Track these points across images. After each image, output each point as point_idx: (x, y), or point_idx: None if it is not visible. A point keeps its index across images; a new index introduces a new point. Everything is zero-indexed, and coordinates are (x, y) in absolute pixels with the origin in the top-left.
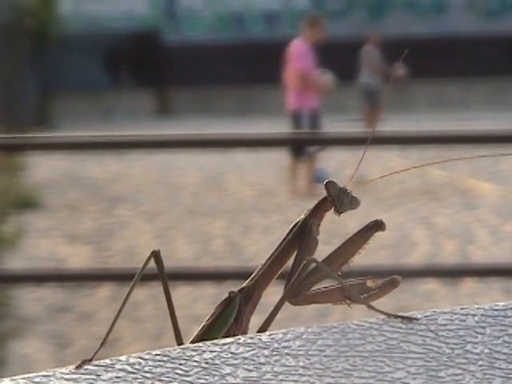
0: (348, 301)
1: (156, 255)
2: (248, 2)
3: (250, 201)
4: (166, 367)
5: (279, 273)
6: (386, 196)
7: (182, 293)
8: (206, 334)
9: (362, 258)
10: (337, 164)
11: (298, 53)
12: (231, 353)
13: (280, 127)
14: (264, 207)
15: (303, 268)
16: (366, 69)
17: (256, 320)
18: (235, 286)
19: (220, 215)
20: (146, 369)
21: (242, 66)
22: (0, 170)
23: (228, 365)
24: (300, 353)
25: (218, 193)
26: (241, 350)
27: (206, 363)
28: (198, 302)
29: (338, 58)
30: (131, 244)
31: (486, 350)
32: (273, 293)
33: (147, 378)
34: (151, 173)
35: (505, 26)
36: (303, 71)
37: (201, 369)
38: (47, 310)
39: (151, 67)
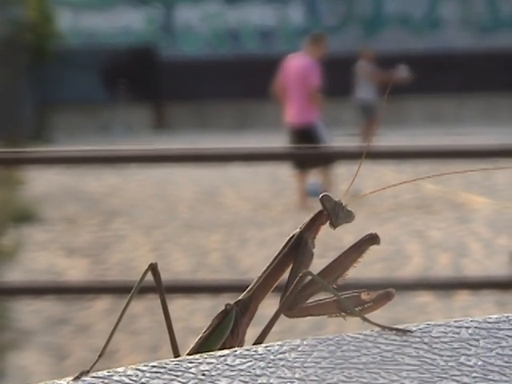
0: (343, 313)
1: (153, 268)
2: (244, 19)
3: (246, 214)
4: (163, 379)
5: (275, 285)
6: (380, 210)
7: (179, 305)
8: (202, 346)
9: (356, 271)
10: (332, 178)
11: (308, 68)
12: (227, 364)
13: (275, 141)
14: (260, 221)
15: (299, 281)
16: (361, 84)
17: (252, 332)
18: (231, 299)
19: (216, 229)
20: (144, 380)
21: (237, 81)
22: None
23: (224, 376)
24: (296, 364)
25: (214, 206)
26: (237, 361)
27: (203, 375)
28: (195, 315)
29: (334, 73)
30: (128, 257)
31: (480, 362)
32: (268, 305)
33: None
34: (148, 187)
35: (498, 43)
36: (316, 86)
37: (197, 380)
38: (45, 322)
39: (148, 82)
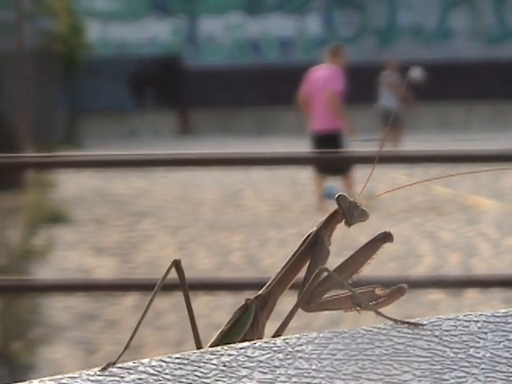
0: (358, 308)
1: (177, 264)
2: (264, 30)
3: (267, 216)
4: (186, 370)
5: (293, 281)
6: (393, 211)
7: (202, 302)
8: (223, 339)
9: (370, 270)
10: (352, 182)
11: (331, 76)
12: (247, 356)
13: (294, 146)
14: (279, 221)
15: (316, 277)
16: (384, 92)
17: (271, 326)
18: (251, 296)
19: (238, 229)
20: (167, 371)
21: (258, 89)
22: (32, 187)
23: (244, 367)
24: (312, 356)
25: (237, 208)
26: (256, 353)
27: (224, 366)
28: (217, 311)
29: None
30: (155, 256)
31: (488, 354)
32: (287, 301)
33: (168, 379)
34: (173, 189)
35: (505, 53)
36: (336, 91)
37: (218, 371)
38: (75, 317)
39: (173, 90)
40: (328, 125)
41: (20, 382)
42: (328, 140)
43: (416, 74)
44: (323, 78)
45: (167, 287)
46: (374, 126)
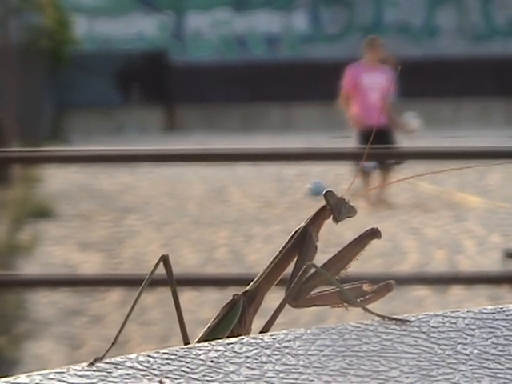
0: (345, 304)
1: (165, 259)
2: (251, 26)
3: (252, 212)
4: (174, 365)
5: (281, 277)
6: (379, 208)
7: (187, 297)
8: (211, 334)
9: (355, 266)
10: (333, 178)
11: (382, 75)
12: (235, 352)
13: (280, 142)
14: (265, 218)
15: (303, 273)
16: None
17: (258, 323)
18: (237, 292)
19: (224, 225)
20: (155, 366)
21: (244, 86)
22: (18, 182)
23: (232, 363)
24: (300, 352)
25: (222, 204)
26: (244, 349)
27: (211, 361)
28: (203, 307)
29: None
30: (140, 251)
31: (475, 351)
32: (274, 298)
33: (155, 375)
34: (159, 185)
35: (492, 50)
36: (388, 91)
37: (206, 367)
38: (60, 313)
39: (160, 86)
40: (379, 121)
41: (6, 376)
42: (379, 136)
43: (412, 123)
44: (373, 76)
45: (153, 283)
46: None
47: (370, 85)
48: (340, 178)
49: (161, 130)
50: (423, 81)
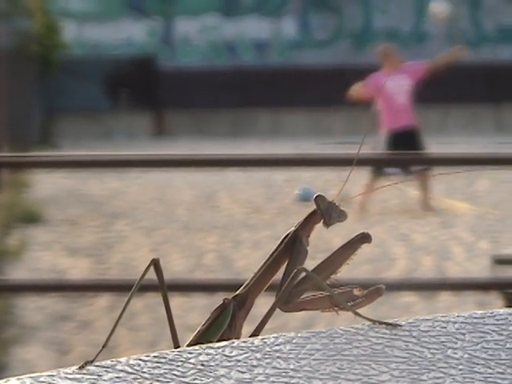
0: (336, 308)
1: (156, 263)
2: (240, 32)
3: (241, 217)
4: (164, 368)
5: (271, 281)
6: (368, 214)
7: (176, 303)
8: (201, 338)
9: (343, 272)
10: (322, 184)
11: (405, 77)
12: (225, 355)
13: (269, 148)
14: (254, 223)
15: (294, 277)
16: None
17: (248, 329)
18: (227, 297)
19: (212, 230)
20: (145, 370)
21: (234, 91)
22: (5, 187)
23: (222, 367)
24: (290, 356)
25: (211, 209)
26: (234, 352)
27: (202, 365)
28: (192, 312)
29: (324, 85)
30: (129, 257)
31: (466, 355)
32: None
33: (146, 378)
34: (148, 190)
35: (481, 57)
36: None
37: (197, 370)
38: (48, 318)
39: (149, 91)
40: (407, 122)
41: None
42: (407, 137)
43: (438, 8)
44: (396, 80)
45: (142, 288)
46: (351, 129)
47: (395, 89)
48: (329, 183)
49: (150, 136)
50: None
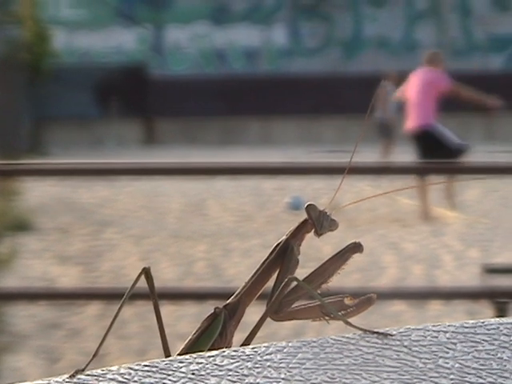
0: (327, 317)
1: (147, 272)
2: (230, 40)
3: (230, 225)
4: (155, 377)
5: (262, 290)
6: (357, 223)
7: (166, 311)
8: (192, 347)
9: (334, 281)
10: (312, 192)
11: (435, 77)
12: (216, 365)
13: (258, 155)
14: (243, 231)
15: (285, 286)
16: (380, 104)
17: (239, 337)
18: (216, 306)
19: (202, 239)
20: (136, 379)
21: (224, 99)
22: None
23: (213, 376)
24: (281, 365)
25: (201, 218)
26: (225, 362)
27: (193, 374)
28: (181, 320)
29: (315, 93)
30: (118, 265)
31: (457, 365)
32: (254, 312)
33: None
34: (138, 198)
35: (470, 65)
36: (442, 92)
37: (187, 379)
38: (38, 326)
39: (139, 99)
40: (424, 122)
41: None
42: (426, 136)
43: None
44: (426, 79)
45: (132, 296)
46: (341, 137)
47: (429, 88)
48: (319, 192)
49: (139, 144)
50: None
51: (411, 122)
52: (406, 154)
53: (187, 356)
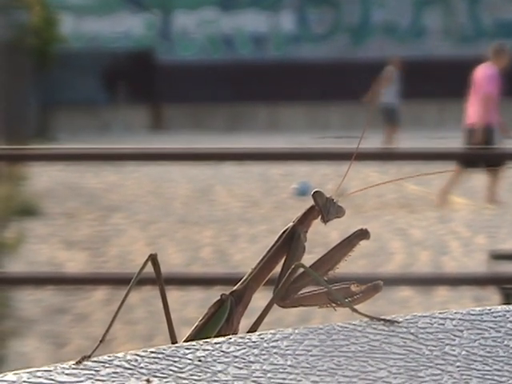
0: (333, 304)
1: (153, 258)
2: (238, 25)
3: (237, 211)
4: (161, 364)
5: (269, 276)
6: (365, 209)
7: (173, 297)
8: (199, 334)
9: (341, 267)
10: (319, 178)
11: (488, 76)
12: (223, 351)
13: (265, 142)
14: (250, 217)
15: (291, 272)
16: (386, 88)
17: (246, 323)
18: (222, 291)
19: (209, 224)
20: (142, 365)
21: (231, 85)
22: (2, 179)
23: (219, 362)
24: (288, 352)
25: (208, 203)
26: (232, 348)
27: (199, 361)
28: (188, 306)
29: (322, 79)
30: (125, 250)
31: (464, 352)
32: (261, 298)
33: (143, 373)
34: (145, 184)
35: (478, 51)
36: (489, 93)
37: (194, 366)
38: (45, 311)
39: (146, 85)
40: (480, 120)
41: None
42: (480, 134)
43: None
44: (482, 77)
45: (139, 282)
46: (349, 123)
47: (483, 89)
48: (326, 178)
49: (147, 129)
50: (409, 82)
51: (469, 118)
52: (409, 141)
53: (194, 342)
